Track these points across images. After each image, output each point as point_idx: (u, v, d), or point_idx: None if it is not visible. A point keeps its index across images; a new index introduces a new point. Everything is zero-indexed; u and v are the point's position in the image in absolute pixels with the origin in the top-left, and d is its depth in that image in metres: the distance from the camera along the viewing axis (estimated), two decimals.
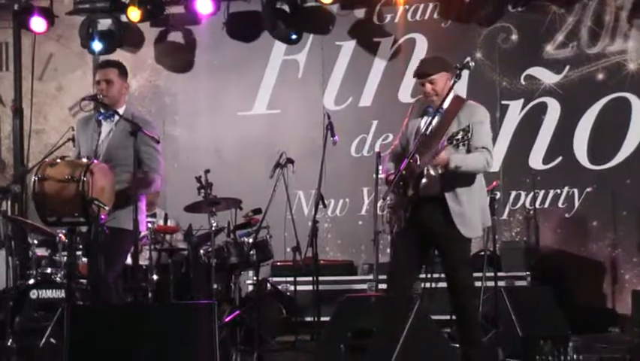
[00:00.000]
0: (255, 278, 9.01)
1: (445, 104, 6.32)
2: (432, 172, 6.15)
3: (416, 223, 6.23)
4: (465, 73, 6.39)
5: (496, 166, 9.70)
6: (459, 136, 5.92)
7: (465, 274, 6.32)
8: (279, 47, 10.62)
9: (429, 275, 8.73)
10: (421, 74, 6.37)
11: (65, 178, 6.19)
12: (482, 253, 8.58)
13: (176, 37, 10.89)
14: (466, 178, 6.22)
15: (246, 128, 10.72)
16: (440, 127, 6.25)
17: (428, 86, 6.32)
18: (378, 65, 10.36)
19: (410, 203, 6.20)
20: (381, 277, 8.62)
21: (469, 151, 6.21)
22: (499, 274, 8.37)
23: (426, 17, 10.30)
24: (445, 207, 6.18)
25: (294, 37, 10.23)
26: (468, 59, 6.36)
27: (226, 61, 10.74)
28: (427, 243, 6.36)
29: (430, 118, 6.24)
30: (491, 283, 7.79)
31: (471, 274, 6.38)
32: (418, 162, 6.13)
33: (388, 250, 8.55)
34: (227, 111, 10.81)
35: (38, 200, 6.27)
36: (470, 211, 6.22)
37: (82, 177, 6.15)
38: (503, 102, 9.96)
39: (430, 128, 6.21)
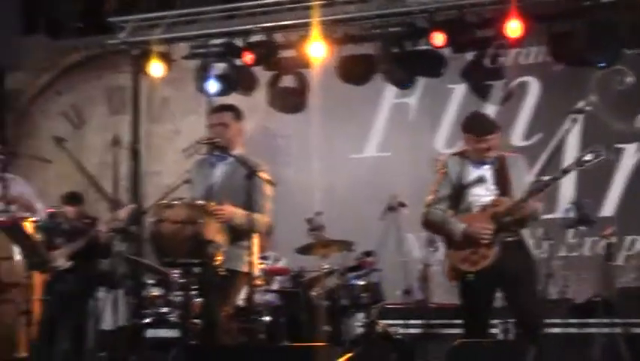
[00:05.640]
0: (364, 320, 9.01)
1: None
2: None
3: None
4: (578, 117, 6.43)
5: (610, 211, 9.57)
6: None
7: None
8: (390, 90, 10.67)
9: None
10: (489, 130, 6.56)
11: (182, 220, 6.31)
12: (597, 298, 8.43)
13: (288, 80, 11.01)
14: None
15: (357, 170, 10.77)
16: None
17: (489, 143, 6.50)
18: (490, 107, 10.29)
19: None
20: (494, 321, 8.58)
21: None
22: (616, 320, 8.19)
23: (539, 60, 10.23)
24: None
25: (408, 84, 10.22)
26: (582, 103, 6.35)
27: (337, 104, 10.81)
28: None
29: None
30: (607, 330, 7.64)
31: None
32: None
33: (499, 294, 8.47)
34: (338, 153, 10.89)
35: (155, 241, 6.42)
36: None
37: (198, 220, 6.26)
38: (618, 146, 9.80)
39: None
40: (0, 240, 6.90)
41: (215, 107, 7.25)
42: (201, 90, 10.76)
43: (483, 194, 6.47)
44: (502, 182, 6.44)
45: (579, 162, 6.27)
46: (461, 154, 6.66)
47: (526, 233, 6.46)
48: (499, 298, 6.58)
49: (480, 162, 6.51)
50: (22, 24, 12.64)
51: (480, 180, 6.48)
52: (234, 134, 6.81)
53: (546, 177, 6.43)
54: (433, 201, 6.62)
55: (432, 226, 6.70)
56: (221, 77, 10.63)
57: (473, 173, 6.51)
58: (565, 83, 9.96)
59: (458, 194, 6.53)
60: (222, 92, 10.55)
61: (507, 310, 6.61)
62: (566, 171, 6.40)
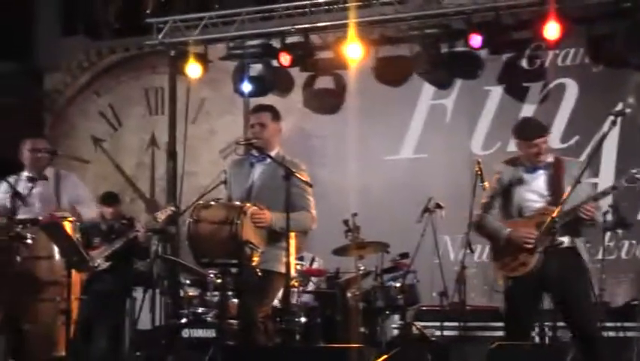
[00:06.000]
0: (400, 322, 9.01)
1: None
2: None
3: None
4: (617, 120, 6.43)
5: None
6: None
7: None
8: (427, 91, 10.66)
9: None
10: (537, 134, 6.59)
11: (219, 220, 6.34)
12: (634, 302, 8.37)
13: (324, 81, 11.02)
14: None
15: (392, 172, 10.75)
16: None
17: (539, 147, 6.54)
18: (528, 109, 10.24)
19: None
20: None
21: None
22: None
23: (577, 62, 10.17)
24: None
25: (446, 85, 10.20)
26: (621, 105, 6.33)
27: (374, 105, 10.80)
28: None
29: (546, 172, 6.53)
30: None
31: None
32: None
33: None
34: (374, 155, 10.87)
35: (193, 241, 6.44)
36: None
37: (235, 220, 6.28)
38: None
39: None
40: (40, 239, 6.95)
41: (254, 107, 7.28)
42: (238, 91, 10.81)
43: (534, 200, 6.53)
44: (555, 188, 6.46)
45: (631, 179, 6.28)
46: (514, 161, 6.71)
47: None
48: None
49: (533, 168, 6.56)
50: (61, 25, 12.77)
51: (527, 184, 6.53)
52: (272, 135, 6.82)
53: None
54: (486, 206, 6.72)
55: (482, 229, 6.79)
56: (257, 78, 10.68)
57: (525, 179, 6.55)
58: (603, 85, 9.89)
59: (509, 199, 6.58)
60: (258, 93, 10.59)
61: (554, 314, 6.60)
62: (615, 188, 6.44)
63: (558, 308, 6.46)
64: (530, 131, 6.60)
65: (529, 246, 6.35)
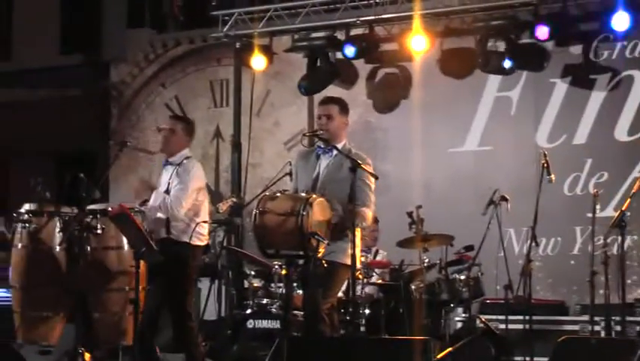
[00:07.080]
0: (464, 315, 8.98)
1: None
2: None
3: None
4: None
5: None
6: None
7: None
8: (492, 83, 10.58)
9: None
10: None
11: (285, 212, 6.37)
12: None
13: (388, 73, 11.00)
14: None
15: (457, 164, 10.70)
16: None
17: None
18: (594, 102, 10.14)
19: None
20: (597, 318, 8.47)
21: None
22: None
23: None
24: None
25: (508, 65, 10.04)
26: None
27: (438, 97, 10.75)
28: None
29: None
30: None
31: None
32: None
33: (601, 291, 8.35)
34: (438, 147, 10.83)
35: (259, 233, 6.47)
36: None
37: (301, 211, 6.31)
38: None
39: None
40: (110, 229, 7.04)
41: (322, 99, 7.28)
42: (303, 83, 10.83)
43: None
44: None
45: None
46: None
47: None
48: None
49: None
50: (127, 18, 12.91)
51: None
52: (339, 127, 6.85)
53: None
54: None
55: None
56: (322, 70, 10.68)
57: None
58: None
59: None
60: (321, 86, 10.56)
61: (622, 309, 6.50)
62: None
63: None
64: None
65: None
